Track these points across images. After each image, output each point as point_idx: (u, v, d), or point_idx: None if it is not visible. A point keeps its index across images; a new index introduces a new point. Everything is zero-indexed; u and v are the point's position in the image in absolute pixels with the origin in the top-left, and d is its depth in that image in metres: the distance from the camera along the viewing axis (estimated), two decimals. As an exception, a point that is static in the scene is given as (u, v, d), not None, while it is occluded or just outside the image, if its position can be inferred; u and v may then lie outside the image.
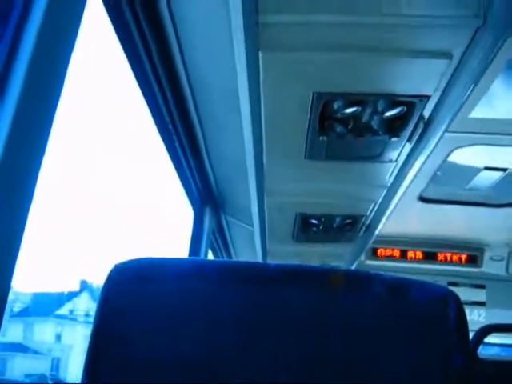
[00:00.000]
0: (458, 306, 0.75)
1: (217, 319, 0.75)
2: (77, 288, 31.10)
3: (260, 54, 1.32)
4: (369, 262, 3.85)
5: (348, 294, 0.75)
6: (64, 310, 29.10)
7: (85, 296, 30.11)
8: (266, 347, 0.74)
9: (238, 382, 0.73)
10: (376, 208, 2.26)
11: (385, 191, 2.09)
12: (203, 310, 0.76)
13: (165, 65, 1.60)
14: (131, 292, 0.77)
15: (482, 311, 3.90)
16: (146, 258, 0.81)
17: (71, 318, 28.89)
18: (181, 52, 1.55)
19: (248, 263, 0.80)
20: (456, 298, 0.76)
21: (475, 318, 3.91)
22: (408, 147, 1.71)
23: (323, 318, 0.74)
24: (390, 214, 2.36)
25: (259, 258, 3.14)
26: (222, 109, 1.78)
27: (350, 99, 1.48)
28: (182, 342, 0.75)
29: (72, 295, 29.97)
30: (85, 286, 31.99)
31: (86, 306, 28.15)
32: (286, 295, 0.76)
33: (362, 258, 3.19)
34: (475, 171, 2.69)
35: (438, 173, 2.66)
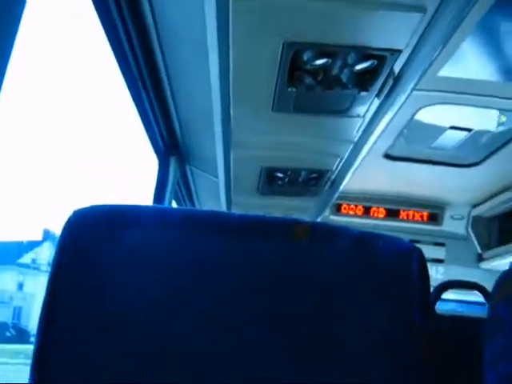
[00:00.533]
0: (422, 261, 0.75)
1: (178, 268, 0.74)
2: (39, 237, 30.81)
3: (230, 1, 1.28)
4: (332, 218, 3.89)
5: (313, 246, 0.74)
6: (26, 259, 28.89)
7: (48, 245, 29.86)
8: (227, 297, 0.73)
9: (195, 326, 0.72)
10: (342, 163, 2.27)
11: (351, 146, 2.09)
12: (164, 258, 0.74)
13: (132, 12, 1.55)
14: (89, 239, 0.75)
15: (441, 268, 3.99)
16: (105, 205, 0.79)
17: (34, 267, 28.71)
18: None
19: (212, 212, 0.78)
20: (420, 253, 0.76)
21: (434, 274, 4.01)
22: (376, 102, 1.70)
23: (287, 270, 0.74)
24: (355, 170, 2.36)
25: (223, 209, 3.13)
26: (190, 58, 1.74)
27: (321, 50, 1.46)
28: (141, 291, 0.73)
29: (34, 244, 29.70)
30: (48, 235, 31.69)
31: (49, 255, 27.95)
32: (250, 245, 0.75)
33: (326, 213, 3.22)
34: (441, 130, 2.71)
35: (405, 131, 2.67)
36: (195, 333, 0.72)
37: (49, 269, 0.78)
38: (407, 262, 0.74)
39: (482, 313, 2.45)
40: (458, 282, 2.75)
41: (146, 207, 0.78)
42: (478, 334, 1.02)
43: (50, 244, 30.16)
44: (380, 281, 0.74)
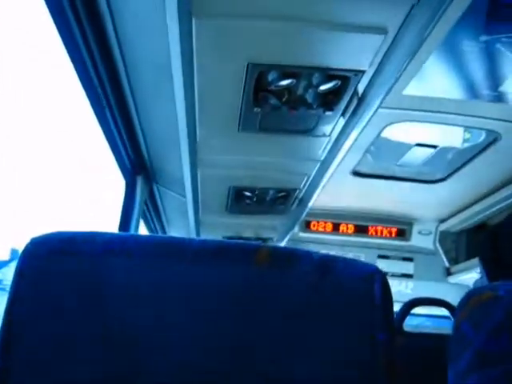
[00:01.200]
0: (384, 283, 0.74)
1: (138, 297, 0.72)
2: (6, 257, 30.16)
3: (193, 21, 1.27)
4: (302, 235, 3.90)
5: (274, 272, 0.73)
6: (-7, 280, 28.26)
7: (15, 265, 29.17)
8: (188, 325, 0.71)
9: (157, 358, 0.70)
10: (309, 182, 2.27)
11: (318, 165, 2.09)
12: (123, 286, 0.72)
13: (95, 32, 1.53)
14: (48, 268, 0.73)
15: (410, 283, 4.02)
16: (64, 232, 0.77)
17: (1, 287, 28.10)
18: (112, 18, 1.49)
19: (172, 238, 0.77)
20: (382, 275, 0.75)
21: (403, 289, 4.03)
22: (342, 122, 1.71)
23: (249, 296, 0.72)
24: (324, 187, 2.37)
25: (192, 229, 3.11)
26: (155, 78, 1.72)
27: (285, 71, 1.46)
28: (100, 320, 0.71)
29: (1, 264, 29.07)
30: (15, 254, 31.04)
31: (16, 275, 27.23)
32: (211, 272, 0.73)
33: (296, 230, 3.22)
34: (407, 147, 2.74)
35: (371, 148, 2.69)
36: (152, 363, 0.70)
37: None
38: (369, 285, 0.74)
39: (449, 328, 2.47)
40: (426, 300, 2.76)
41: (105, 234, 0.76)
42: (445, 351, 1.02)
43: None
44: (341, 304, 0.73)
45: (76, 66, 1.63)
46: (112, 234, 0.76)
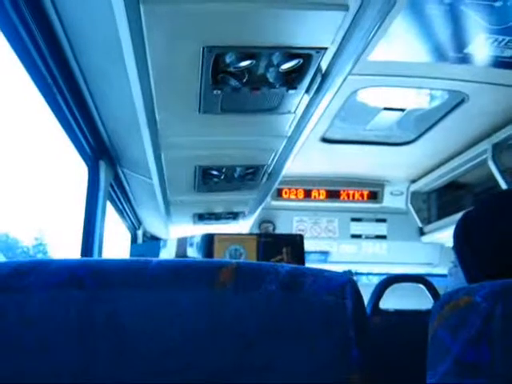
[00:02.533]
0: (356, 295, 0.70)
1: (90, 331, 0.66)
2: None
3: (141, 8, 1.18)
4: (274, 203, 3.88)
5: (238, 294, 0.68)
6: (-35, 261, 27.87)
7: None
8: (147, 360, 0.66)
9: None
10: (277, 157, 2.22)
11: (285, 141, 2.03)
12: (75, 322, 0.66)
13: (37, 18, 1.43)
14: None
15: (384, 244, 4.05)
16: (9, 262, 0.70)
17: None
18: (53, 3, 1.39)
19: (126, 262, 0.70)
20: (354, 285, 0.71)
21: (378, 250, 4.07)
22: (306, 98, 1.64)
23: (212, 323, 0.67)
24: (292, 159, 2.33)
25: (162, 209, 3.05)
26: (106, 63, 1.63)
27: (243, 52, 1.38)
28: (52, 361, 0.65)
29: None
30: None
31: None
32: (170, 297, 0.68)
33: (268, 198, 3.19)
34: (375, 112, 2.72)
35: (339, 114, 2.66)
36: None
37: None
38: (340, 300, 0.69)
39: (425, 306, 2.49)
40: (402, 277, 2.77)
41: (54, 262, 0.70)
42: (422, 328, 1.00)
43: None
44: (312, 323, 0.68)
45: (20, 54, 1.53)
46: (58, 262, 0.70)
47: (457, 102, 2.48)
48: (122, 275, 0.68)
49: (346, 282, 0.70)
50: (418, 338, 1.21)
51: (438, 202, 3.76)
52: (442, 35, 1.91)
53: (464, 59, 2.08)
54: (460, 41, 1.95)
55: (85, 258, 0.72)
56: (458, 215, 1.16)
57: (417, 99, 2.58)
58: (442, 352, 0.76)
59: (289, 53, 1.39)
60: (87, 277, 0.68)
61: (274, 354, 0.67)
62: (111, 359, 0.66)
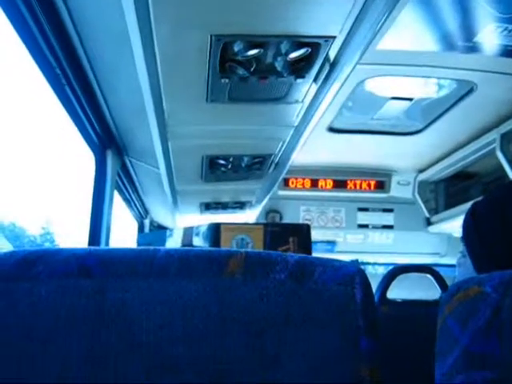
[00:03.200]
0: (366, 285, 0.70)
1: (99, 320, 0.66)
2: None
3: None
4: (281, 193, 3.88)
5: (247, 283, 0.68)
6: (-26, 250, 28.07)
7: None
8: (158, 347, 0.66)
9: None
10: (284, 146, 2.21)
11: (292, 130, 2.03)
12: (83, 311, 0.66)
13: (45, 8, 1.43)
14: (3, 294, 0.67)
15: (391, 234, 4.04)
16: (18, 252, 0.70)
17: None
18: None
19: (134, 251, 0.70)
20: (363, 276, 0.70)
21: (385, 240, 4.06)
22: (314, 88, 1.64)
23: (221, 312, 0.67)
24: (300, 149, 2.32)
25: (169, 198, 3.05)
26: (114, 53, 1.63)
27: (251, 41, 1.37)
28: (61, 350, 0.66)
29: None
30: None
31: (-3, 244, 27.23)
32: (178, 286, 0.68)
33: (275, 188, 3.19)
34: (382, 101, 2.70)
35: (346, 104, 2.65)
36: None
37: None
38: (349, 289, 0.69)
39: (432, 296, 2.48)
40: (410, 267, 2.76)
41: (64, 252, 0.70)
42: (430, 318, 0.99)
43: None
44: (321, 312, 0.68)
45: (28, 44, 1.53)
46: (68, 251, 0.70)
47: (465, 91, 2.46)
48: (130, 264, 0.68)
49: (355, 272, 0.70)
50: (425, 328, 1.20)
51: (445, 191, 3.74)
52: (450, 24, 1.90)
53: (473, 48, 2.06)
54: (469, 30, 1.93)
55: (93, 247, 0.72)
56: (466, 205, 1.15)
57: (425, 88, 2.56)
58: (451, 342, 0.76)
59: (297, 41, 1.38)
60: (95, 266, 0.68)
61: (283, 343, 0.67)
62: (120, 348, 0.66)
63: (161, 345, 0.66)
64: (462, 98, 2.52)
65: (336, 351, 0.68)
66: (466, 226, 1.10)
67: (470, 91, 2.42)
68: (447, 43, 2.03)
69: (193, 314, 0.67)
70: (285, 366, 0.67)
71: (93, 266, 0.68)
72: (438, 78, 2.42)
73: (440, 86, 2.53)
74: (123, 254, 0.70)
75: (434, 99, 2.64)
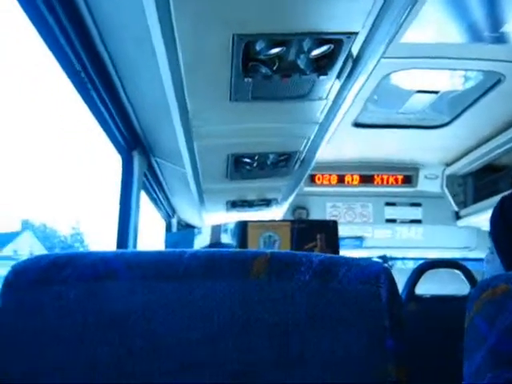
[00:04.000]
0: (391, 283, 0.69)
1: (126, 322, 0.67)
2: (18, 228, 30.56)
3: None
4: (307, 189, 3.87)
5: (272, 284, 0.68)
6: (8, 251, 28.63)
7: (27, 235, 29.65)
8: (184, 348, 0.67)
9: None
10: (309, 143, 2.21)
11: (317, 127, 2.02)
12: (111, 313, 0.67)
13: (67, 8, 1.45)
14: (30, 298, 0.68)
15: (420, 228, 4.00)
16: (47, 256, 0.72)
17: (16, 258, 28.50)
18: None
19: (161, 254, 0.71)
20: (388, 274, 0.70)
21: (413, 235, 4.03)
22: (338, 84, 1.63)
23: (247, 312, 0.67)
24: (325, 145, 2.31)
25: (195, 197, 3.07)
26: (137, 53, 1.65)
27: (274, 39, 1.37)
28: (87, 352, 0.67)
29: (14, 235, 29.42)
30: (26, 224, 31.45)
31: (30, 245, 27.78)
32: (204, 288, 0.68)
33: (301, 185, 3.18)
34: (408, 95, 2.68)
35: (371, 98, 2.63)
36: None
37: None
38: (375, 288, 0.68)
39: (461, 292, 2.45)
40: (438, 262, 2.73)
41: (90, 255, 0.71)
42: (458, 314, 0.98)
43: (29, 234, 29.93)
44: (346, 313, 0.68)
45: (54, 51, 1.56)
46: (96, 255, 0.71)
47: (492, 82, 2.42)
48: (156, 267, 0.69)
49: (380, 271, 0.69)
50: (454, 324, 1.19)
51: (474, 185, 3.69)
52: (476, 14, 1.87)
53: (500, 39, 2.02)
54: (496, 19, 1.90)
55: (120, 250, 0.73)
56: (495, 198, 1.14)
57: (451, 81, 2.53)
58: (479, 341, 0.75)
59: (319, 38, 1.37)
60: (122, 269, 0.69)
61: (308, 343, 0.67)
62: (146, 350, 0.67)
63: (187, 346, 0.67)
64: (489, 90, 2.48)
65: (361, 351, 0.67)
66: (493, 221, 1.09)
67: (498, 83, 2.39)
68: (473, 34, 2.00)
69: (218, 315, 0.68)
70: (309, 366, 0.67)
71: (120, 269, 0.69)
72: (465, 70, 2.39)
73: (466, 78, 2.50)
74: (150, 257, 0.71)
75: (461, 91, 2.61)
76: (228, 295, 0.68)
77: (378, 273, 0.69)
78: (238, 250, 0.74)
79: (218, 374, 0.66)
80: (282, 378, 0.66)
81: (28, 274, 0.70)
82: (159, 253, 0.72)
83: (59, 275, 0.69)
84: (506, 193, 1.11)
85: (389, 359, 0.67)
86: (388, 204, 4.01)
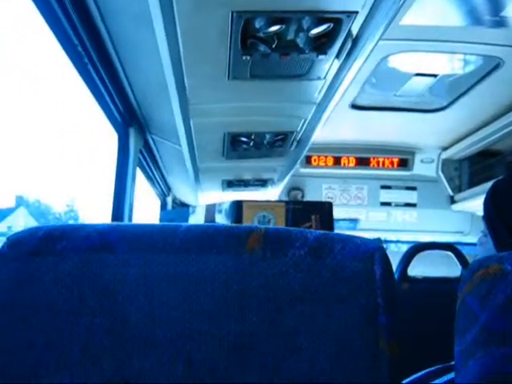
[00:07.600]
0: (385, 262, 0.70)
1: (122, 294, 0.68)
2: (12, 204, 30.53)
3: None
4: (303, 170, 3.87)
5: (267, 258, 0.68)
6: (1, 227, 28.64)
7: (22, 211, 29.65)
8: (180, 320, 0.68)
9: (149, 356, 0.67)
10: (306, 124, 2.20)
11: (314, 107, 2.02)
12: (106, 285, 0.68)
13: None
14: (25, 270, 0.69)
15: (414, 212, 4.02)
16: (42, 228, 0.72)
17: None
18: None
19: (157, 226, 0.71)
20: (383, 253, 0.70)
21: (408, 218, 4.04)
22: (337, 64, 1.62)
23: (241, 286, 0.68)
24: (322, 126, 2.31)
25: (191, 176, 3.07)
26: (135, 29, 1.63)
27: (273, 17, 1.36)
28: (84, 324, 0.67)
29: (8, 211, 29.41)
30: (21, 201, 31.41)
31: (24, 221, 27.80)
32: (200, 261, 0.69)
33: (297, 165, 3.19)
34: (406, 77, 2.67)
35: (369, 80, 2.62)
36: (147, 369, 0.66)
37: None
38: (369, 266, 0.69)
39: (454, 273, 2.47)
40: (431, 244, 2.75)
41: (85, 228, 0.71)
42: (450, 295, 0.99)
43: (24, 210, 29.92)
44: (340, 289, 0.69)
45: (52, 25, 1.55)
46: (91, 227, 0.71)
47: (491, 67, 2.41)
48: (152, 240, 0.69)
49: (375, 249, 0.70)
50: (446, 304, 1.20)
51: (469, 169, 3.70)
52: (476, -3, 1.86)
53: (500, 23, 2.01)
54: (496, 3, 1.89)
55: (115, 223, 0.73)
56: (490, 184, 1.14)
57: (450, 64, 2.52)
58: (470, 319, 0.76)
59: (319, 17, 1.36)
60: (118, 241, 0.69)
61: (303, 319, 0.68)
62: (142, 321, 0.67)
63: (182, 318, 0.67)
64: (487, 75, 2.47)
65: (354, 327, 0.68)
66: (487, 205, 1.10)
67: (497, 67, 2.38)
68: (473, 17, 2.00)
69: (213, 288, 0.68)
70: (303, 340, 0.67)
71: (115, 241, 0.69)
72: (464, 54, 2.38)
73: (465, 62, 2.49)
74: (145, 230, 0.71)
75: (459, 75, 2.60)
76: (223, 269, 0.68)
77: (372, 251, 0.70)
78: (233, 225, 0.74)
79: (213, 347, 0.67)
80: (276, 350, 0.67)
81: (23, 245, 0.70)
82: (155, 226, 0.72)
83: (54, 247, 0.69)
84: (499, 177, 1.12)
85: (381, 335, 0.68)
86: (383, 187, 4.02)
